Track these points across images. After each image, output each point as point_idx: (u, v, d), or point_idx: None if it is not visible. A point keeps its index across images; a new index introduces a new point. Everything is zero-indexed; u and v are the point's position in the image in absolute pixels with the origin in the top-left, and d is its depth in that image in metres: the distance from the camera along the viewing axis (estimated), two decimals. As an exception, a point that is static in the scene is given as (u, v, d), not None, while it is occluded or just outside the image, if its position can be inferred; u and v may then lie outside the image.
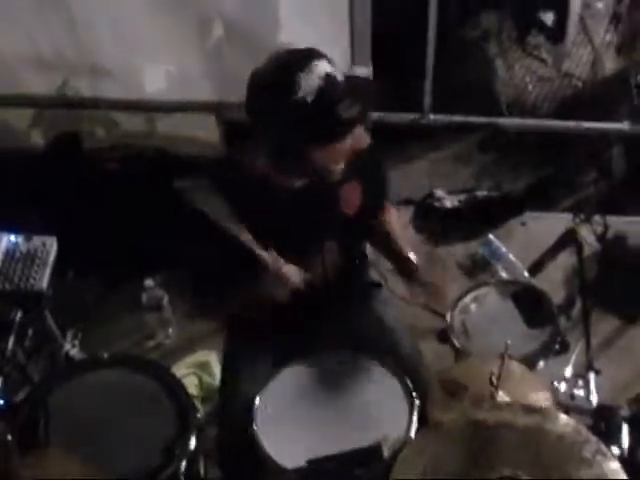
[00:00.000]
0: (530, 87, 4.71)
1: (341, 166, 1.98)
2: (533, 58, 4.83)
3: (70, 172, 3.51)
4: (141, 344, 3.33)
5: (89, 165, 3.55)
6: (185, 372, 3.12)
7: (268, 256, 2.05)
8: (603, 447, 1.59)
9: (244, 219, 2.02)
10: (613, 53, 4.74)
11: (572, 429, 1.63)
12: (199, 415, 2.17)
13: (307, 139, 1.85)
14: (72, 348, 3.15)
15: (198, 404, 2.97)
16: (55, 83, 3.58)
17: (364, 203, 2.20)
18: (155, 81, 3.61)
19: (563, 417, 1.68)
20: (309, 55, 1.85)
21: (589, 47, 4.76)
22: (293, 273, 2.10)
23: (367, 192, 2.21)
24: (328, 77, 1.81)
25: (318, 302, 2.21)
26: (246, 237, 2.02)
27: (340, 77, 1.85)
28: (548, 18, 4.66)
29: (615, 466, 1.54)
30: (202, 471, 2.25)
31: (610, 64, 4.72)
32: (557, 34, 4.71)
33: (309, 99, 1.79)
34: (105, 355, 2.31)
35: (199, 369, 3.15)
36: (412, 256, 2.29)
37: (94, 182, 3.47)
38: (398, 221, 2.46)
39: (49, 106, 3.68)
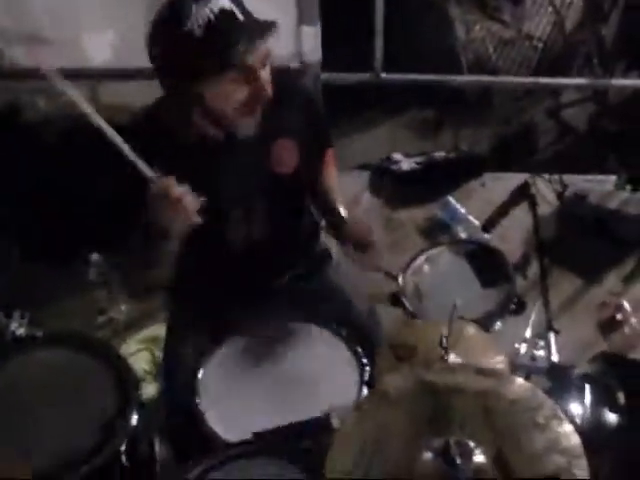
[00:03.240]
0: (491, 49, 4.64)
1: (248, 118, 1.89)
2: (494, 20, 4.76)
3: (9, 146, 3.36)
4: (92, 321, 3.22)
5: (29, 138, 3.40)
6: (138, 348, 3.05)
7: (156, 178, 1.83)
8: (559, 411, 1.50)
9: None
10: (574, 13, 4.68)
11: (527, 393, 1.55)
12: (142, 391, 2.08)
13: (192, 72, 1.78)
14: (19, 328, 3.04)
15: (151, 380, 2.91)
16: (-10, 53, 3.44)
17: (302, 162, 2.11)
18: (96, 49, 3.49)
19: (518, 380, 1.59)
20: None
21: (550, 8, 4.68)
22: (188, 199, 1.82)
23: (306, 148, 2.11)
24: (222, 12, 1.75)
25: (262, 269, 2.12)
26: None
27: (240, 16, 1.77)
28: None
29: (569, 430, 1.46)
30: (155, 449, 2.16)
31: (571, 24, 4.66)
32: (517, -5, 4.66)
33: (197, 32, 1.74)
34: (41, 334, 2.20)
35: (152, 344, 3.06)
36: (343, 211, 2.22)
37: (35, 156, 3.33)
38: (335, 176, 2.37)
39: (-16, 77, 3.53)
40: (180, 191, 1.80)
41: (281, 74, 1.97)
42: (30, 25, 3.42)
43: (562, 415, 1.50)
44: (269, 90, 1.86)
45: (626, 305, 2.89)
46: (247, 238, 2.11)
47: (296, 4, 3.23)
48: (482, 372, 1.61)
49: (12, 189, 3.22)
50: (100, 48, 3.51)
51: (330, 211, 2.25)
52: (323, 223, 2.53)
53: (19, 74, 3.48)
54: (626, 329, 2.79)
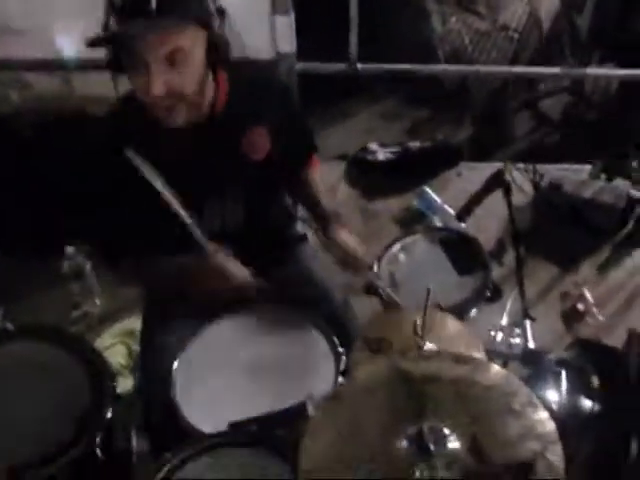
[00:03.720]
0: (467, 41, 4.64)
1: (169, 112, 1.84)
2: (469, 12, 4.76)
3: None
4: (67, 315, 3.19)
5: (2, 130, 3.36)
6: (112, 341, 3.02)
7: (210, 247, 1.99)
8: (534, 398, 1.51)
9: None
10: (548, 3, 4.70)
11: (502, 380, 1.55)
12: (118, 385, 2.06)
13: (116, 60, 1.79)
14: (-6, 323, 3.01)
15: (128, 374, 2.89)
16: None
17: (274, 149, 2.10)
18: (68, 38, 3.43)
19: (494, 367, 1.59)
20: None
21: (524, -2, 4.71)
22: (237, 270, 2.03)
23: (280, 140, 2.10)
24: None
25: (236, 257, 2.11)
26: (190, 221, 1.95)
27: (154, 6, 1.70)
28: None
29: (544, 416, 1.46)
30: (132, 442, 2.15)
31: (546, 13, 4.68)
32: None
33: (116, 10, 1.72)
34: (11, 327, 2.17)
35: (127, 337, 3.04)
36: (333, 212, 2.23)
37: (8, 148, 3.29)
38: (320, 176, 2.37)
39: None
40: (229, 262, 2.00)
41: (254, 64, 1.94)
42: (1, 16, 3.36)
43: (537, 401, 1.50)
44: (158, 90, 1.76)
45: (588, 295, 2.91)
46: (221, 227, 2.10)
47: (269, -7, 3.22)
48: (457, 359, 1.61)
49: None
50: (72, 38, 3.46)
51: (317, 213, 2.25)
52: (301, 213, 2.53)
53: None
54: (589, 320, 2.82)
